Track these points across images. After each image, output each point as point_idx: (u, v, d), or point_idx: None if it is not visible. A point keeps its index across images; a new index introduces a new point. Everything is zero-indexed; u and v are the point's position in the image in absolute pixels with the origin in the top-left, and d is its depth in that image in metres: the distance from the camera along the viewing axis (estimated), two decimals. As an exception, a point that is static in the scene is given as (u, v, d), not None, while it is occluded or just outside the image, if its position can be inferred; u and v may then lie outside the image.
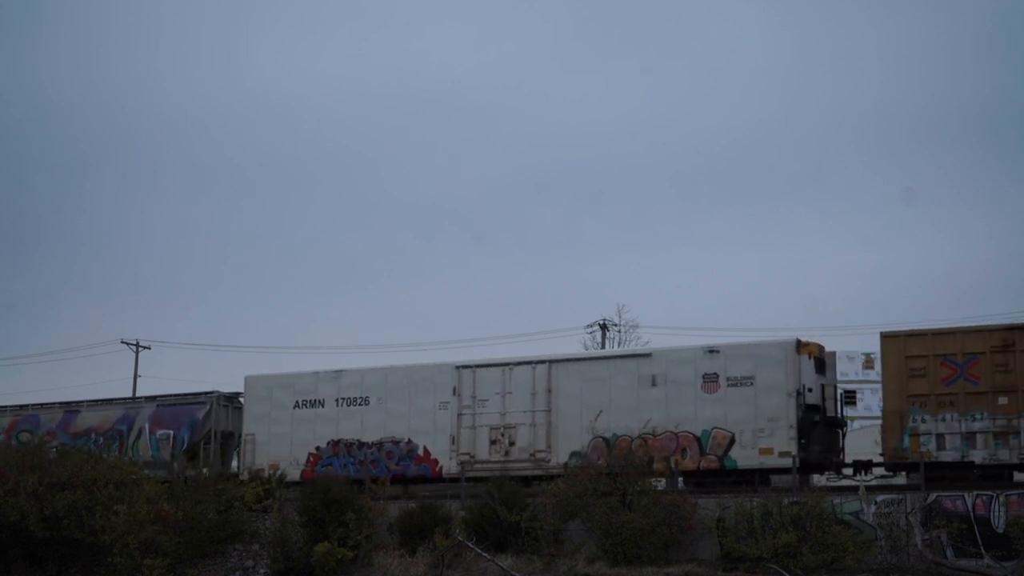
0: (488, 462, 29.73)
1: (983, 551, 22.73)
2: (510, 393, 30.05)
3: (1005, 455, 25.01)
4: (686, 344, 29.95)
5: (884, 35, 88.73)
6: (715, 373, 27.99)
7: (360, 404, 31.73)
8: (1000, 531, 22.88)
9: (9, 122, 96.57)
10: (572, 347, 43.73)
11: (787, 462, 26.51)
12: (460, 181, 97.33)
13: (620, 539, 24.51)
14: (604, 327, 50.60)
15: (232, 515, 27.86)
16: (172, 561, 26.17)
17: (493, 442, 29.84)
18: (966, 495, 23.55)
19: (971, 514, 23.20)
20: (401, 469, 30.58)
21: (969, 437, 25.44)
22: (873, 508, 23.91)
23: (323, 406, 32.08)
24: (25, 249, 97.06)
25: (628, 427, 28.40)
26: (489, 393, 30.24)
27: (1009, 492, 23.30)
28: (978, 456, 25.23)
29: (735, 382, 27.67)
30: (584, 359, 30.88)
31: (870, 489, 24.99)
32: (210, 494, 27.83)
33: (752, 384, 27.47)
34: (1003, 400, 25.32)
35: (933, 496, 23.65)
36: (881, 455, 26.85)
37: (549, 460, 29.09)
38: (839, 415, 28.43)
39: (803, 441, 26.86)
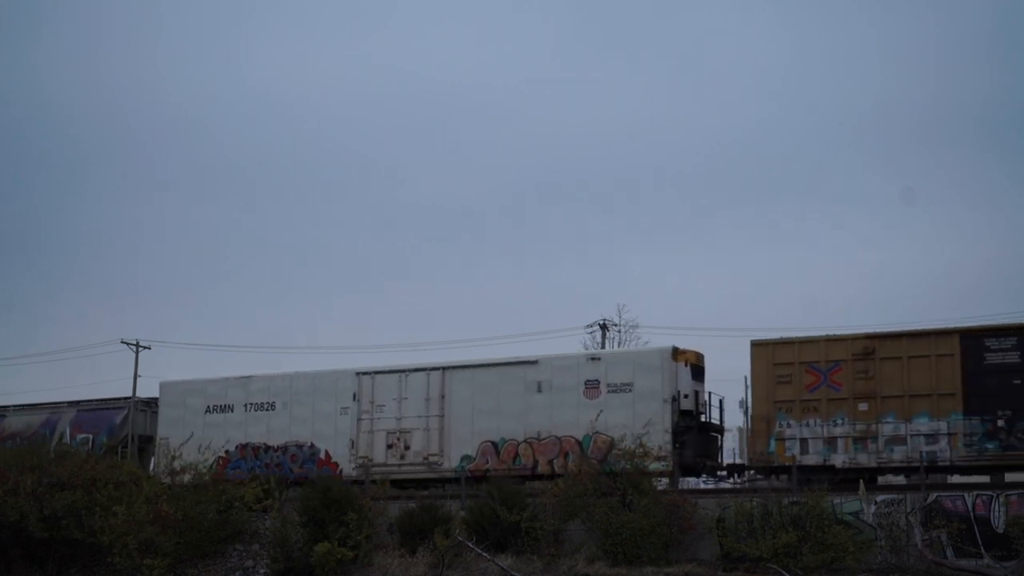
0: (385, 465, 30.84)
1: (983, 551, 22.74)
2: (406, 399, 31.13)
3: (864, 459, 26.16)
4: (569, 352, 30.87)
5: (885, 35, 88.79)
6: (596, 380, 28.97)
7: (267, 409, 32.94)
8: (1000, 531, 22.90)
9: (9, 122, 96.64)
10: (572, 347, 43.59)
11: (663, 465, 27.48)
12: (461, 181, 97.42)
13: (620, 539, 24.52)
14: (604, 327, 50.52)
15: (232, 515, 27.85)
16: (172, 561, 26.15)
17: (390, 446, 30.85)
18: (966, 495, 23.58)
19: (971, 514, 23.21)
20: (304, 472, 31.50)
21: (830, 442, 26.53)
22: (873, 508, 23.93)
23: (232, 411, 33.36)
24: (25, 249, 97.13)
25: (516, 431, 29.50)
26: (387, 399, 31.33)
27: (1009, 492, 23.32)
28: (838, 460, 26.32)
29: (615, 388, 28.70)
30: (475, 366, 31.37)
31: (870, 489, 25.01)
32: (210, 494, 27.83)
33: (631, 390, 28.48)
34: (863, 406, 26.48)
35: (933, 496, 23.67)
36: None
37: (441, 464, 30.25)
38: (718, 420, 29.52)
39: (678, 445, 27.84)
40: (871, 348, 26.68)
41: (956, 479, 27.49)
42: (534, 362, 30.16)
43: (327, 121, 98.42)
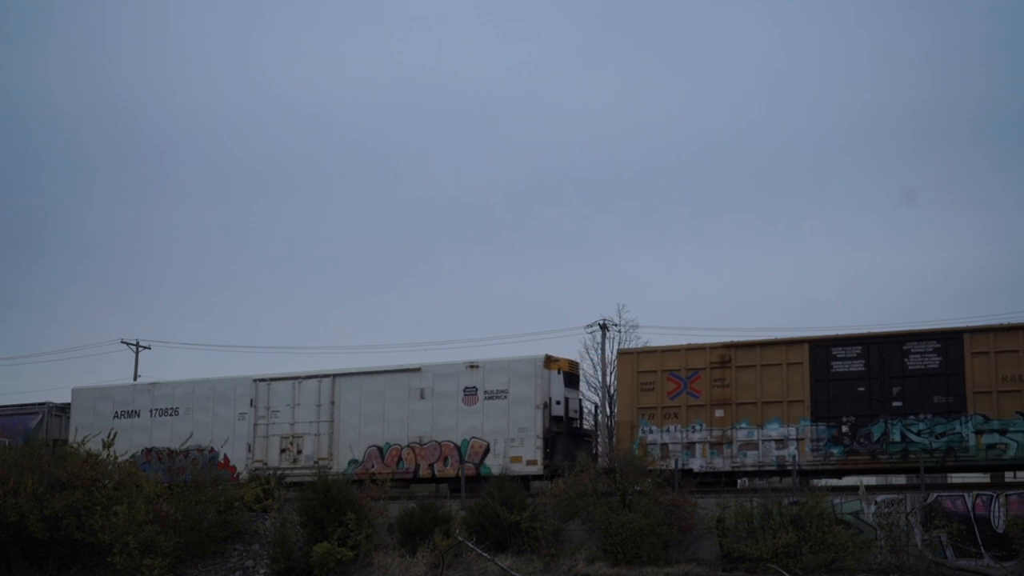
0: (278, 469, 31.69)
1: (983, 551, 22.73)
2: (299, 405, 32.38)
3: (720, 463, 27.36)
4: (450, 360, 31.66)
5: (882, 37, 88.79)
6: (474, 387, 30.14)
7: (171, 414, 34.17)
8: (1000, 531, 22.91)
9: (16, 123, 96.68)
10: (573, 347, 43.66)
11: (534, 469, 28.76)
12: (465, 181, 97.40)
13: (620, 539, 24.52)
14: (604, 327, 50.53)
15: (232, 515, 27.85)
16: (172, 561, 26.15)
17: (283, 450, 31.72)
18: (966, 495, 23.58)
19: (971, 514, 23.22)
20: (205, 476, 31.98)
21: (689, 447, 27.71)
22: (873, 508, 23.93)
23: (139, 416, 34.57)
24: (31, 249, 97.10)
25: (400, 437, 30.73)
26: (281, 404, 32.57)
27: (1009, 492, 23.33)
28: (696, 464, 27.44)
29: (491, 395, 29.87)
30: (363, 373, 32.35)
31: (870, 489, 25.02)
32: (210, 494, 27.83)
33: (506, 397, 29.63)
34: (719, 413, 27.64)
35: (933, 496, 23.67)
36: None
37: (331, 467, 31.00)
38: (591, 426, 30.68)
39: (548, 450, 28.98)
40: (728, 357, 27.81)
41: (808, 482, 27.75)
42: (417, 370, 31.28)
43: (330, 121, 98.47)
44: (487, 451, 29.38)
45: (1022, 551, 22.14)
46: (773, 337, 28.33)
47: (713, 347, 28.19)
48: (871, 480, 30.41)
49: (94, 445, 29.60)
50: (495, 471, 28.67)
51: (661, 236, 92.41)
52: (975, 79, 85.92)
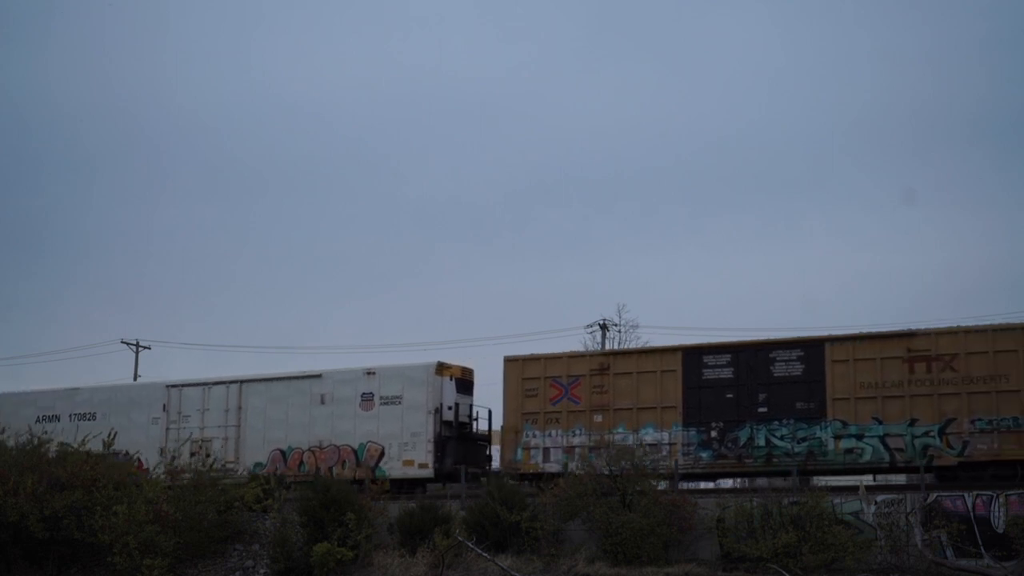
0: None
1: (983, 551, 22.73)
2: (208, 410, 33.61)
3: (598, 467, 27.13)
4: (349, 367, 32.70)
5: (882, 37, 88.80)
6: (371, 392, 31.30)
7: (89, 419, 34.91)
8: (1000, 531, 22.91)
9: (16, 123, 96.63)
10: (573, 347, 43.46)
11: (425, 472, 29.87)
12: (465, 181, 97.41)
13: (620, 539, 24.51)
14: (604, 327, 50.57)
15: (232, 515, 27.83)
16: (172, 561, 26.13)
17: (193, 454, 31.88)
18: (966, 495, 23.56)
19: (971, 514, 23.21)
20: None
21: (569, 450, 28.65)
22: (873, 508, 23.92)
23: (59, 421, 35.15)
24: (31, 249, 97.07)
25: (301, 440, 31.91)
26: (192, 410, 33.78)
27: (1009, 492, 23.32)
28: (575, 467, 27.59)
29: (387, 401, 31.02)
30: (268, 379, 33.62)
31: (870, 489, 25.02)
32: (210, 494, 27.81)
33: (400, 402, 30.75)
34: (598, 417, 28.63)
35: (933, 496, 23.66)
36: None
37: (237, 471, 31.38)
38: (485, 430, 31.72)
39: (439, 453, 30.10)
40: (606, 364, 28.92)
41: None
42: (318, 376, 32.53)
43: (330, 121, 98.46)
44: (382, 455, 30.52)
45: (1022, 551, 22.13)
46: (649, 346, 29.58)
47: (593, 355, 29.45)
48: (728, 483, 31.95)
49: (94, 445, 29.79)
50: (389, 474, 29.87)
51: (661, 236, 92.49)
52: (975, 79, 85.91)
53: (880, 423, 26.06)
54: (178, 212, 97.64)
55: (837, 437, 26.34)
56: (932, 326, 27.09)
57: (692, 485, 27.48)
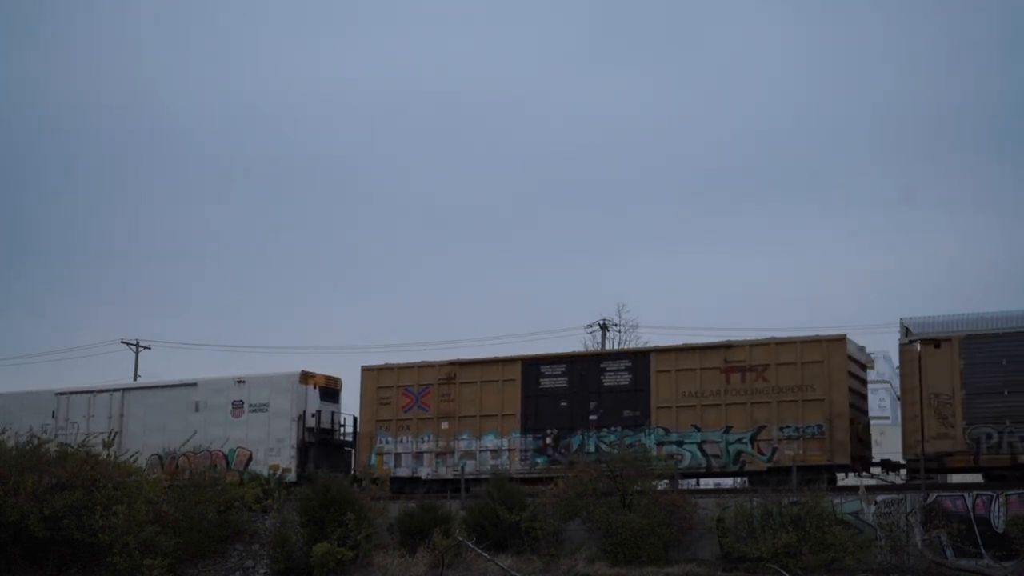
0: None
1: (983, 551, 22.71)
2: (93, 416, 34.81)
3: (444, 471, 29.55)
4: (221, 375, 34.30)
5: (885, 38, 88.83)
6: (241, 400, 32.89)
7: None
8: (1000, 531, 22.88)
9: (6, 121, 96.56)
10: (573, 347, 43.48)
11: (289, 476, 30.87)
12: (467, 181, 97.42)
13: (620, 539, 24.50)
14: (604, 327, 50.56)
15: (232, 515, 27.86)
16: (172, 561, 26.14)
17: None
18: (966, 495, 23.55)
19: (971, 514, 23.19)
20: None
21: (418, 456, 30.08)
22: (873, 508, 23.91)
23: None
24: (31, 249, 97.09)
25: (177, 446, 32.87)
26: (78, 416, 34.99)
27: (1009, 492, 23.32)
28: (423, 472, 29.77)
29: (255, 408, 32.56)
30: (148, 388, 35.75)
31: (870, 489, 25.01)
32: (210, 494, 27.82)
33: (267, 410, 32.30)
34: (445, 424, 29.99)
35: (933, 496, 23.65)
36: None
37: None
38: (349, 437, 33.08)
39: (302, 458, 31.60)
40: (453, 373, 30.12)
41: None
42: (193, 384, 34.12)
43: (337, 121, 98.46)
44: (250, 459, 31.88)
45: (1022, 551, 22.11)
46: (492, 356, 30.59)
47: (442, 364, 30.42)
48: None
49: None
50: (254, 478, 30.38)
51: (661, 236, 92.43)
52: (974, 79, 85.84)
53: (699, 430, 27.28)
54: (179, 212, 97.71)
55: (660, 444, 27.55)
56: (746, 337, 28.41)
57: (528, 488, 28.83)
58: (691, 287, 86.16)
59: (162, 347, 69.04)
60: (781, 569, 22.68)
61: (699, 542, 24.84)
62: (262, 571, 26.90)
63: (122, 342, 61.07)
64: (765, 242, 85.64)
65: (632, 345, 46.59)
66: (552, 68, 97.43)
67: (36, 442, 28.91)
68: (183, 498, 27.48)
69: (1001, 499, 23.12)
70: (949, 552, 22.91)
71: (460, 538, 25.09)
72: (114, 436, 31.25)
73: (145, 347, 61.57)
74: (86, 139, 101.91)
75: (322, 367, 33.37)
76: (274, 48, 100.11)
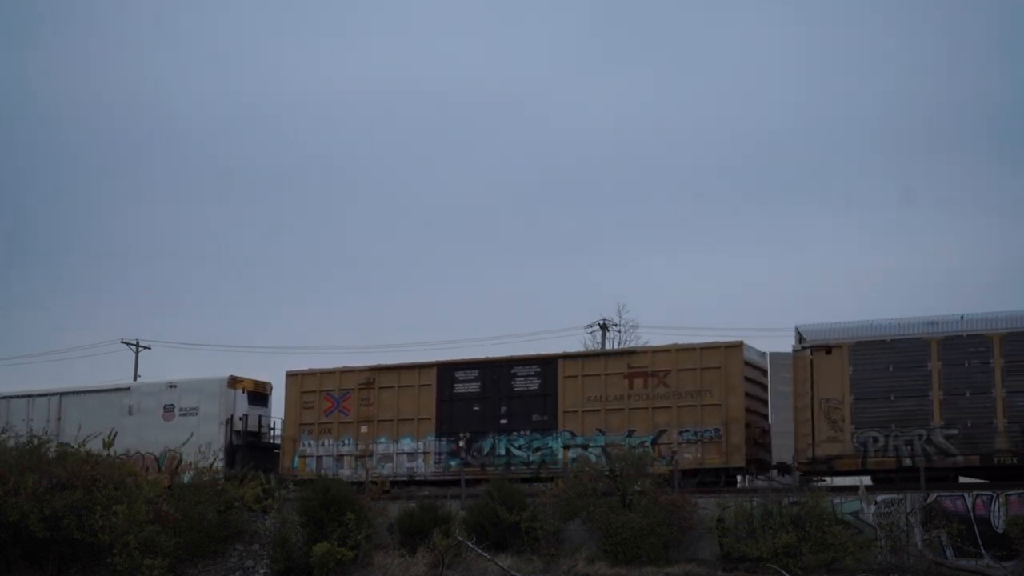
0: None
1: (983, 551, 22.72)
2: (32, 420, 35.47)
3: (363, 473, 29.71)
4: (153, 380, 35.67)
5: (885, 38, 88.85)
6: (172, 404, 33.95)
7: None
8: (1000, 531, 22.89)
9: (6, 121, 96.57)
10: (573, 347, 43.55)
11: (217, 477, 30.31)
12: (467, 181, 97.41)
13: (620, 539, 24.50)
14: (604, 327, 50.62)
15: (232, 515, 27.85)
16: (172, 561, 26.14)
17: None
18: (966, 495, 23.56)
19: (971, 514, 23.20)
20: None
21: (339, 459, 30.96)
22: (873, 508, 23.91)
23: None
24: (31, 249, 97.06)
25: (111, 449, 31.83)
26: (18, 419, 35.11)
27: (1009, 492, 23.33)
28: (344, 474, 30.06)
29: (185, 412, 33.59)
30: (84, 392, 36.10)
31: (870, 489, 25.02)
32: (210, 494, 27.83)
33: (197, 414, 33.26)
34: (364, 428, 30.82)
35: (933, 496, 23.65)
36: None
37: None
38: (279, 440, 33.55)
39: (230, 461, 32.25)
40: (373, 379, 30.96)
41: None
42: (127, 388, 35.51)
43: (335, 122, 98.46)
44: (179, 462, 31.79)
45: (1022, 551, 22.12)
46: (410, 362, 31.25)
47: (362, 370, 31.18)
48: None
49: (95, 445, 29.81)
50: (188, 480, 30.47)
51: (661, 236, 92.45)
52: (974, 79, 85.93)
53: (603, 434, 28.11)
54: (179, 211, 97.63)
55: (566, 447, 28.44)
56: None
57: (441, 491, 29.39)
58: (691, 287, 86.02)
59: (162, 347, 69.04)
60: (781, 569, 22.69)
61: (699, 542, 24.85)
62: (262, 571, 26.91)
63: (122, 342, 61.14)
64: (765, 242, 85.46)
65: (628, 345, 46.66)
66: (552, 68, 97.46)
67: (36, 442, 28.93)
68: (183, 498, 27.50)
69: (1001, 499, 23.13)
70: (949, 552, 22.92)
71: (460, 538, 25.10)
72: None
73: (145, 347, 61.64)
74: (86, 139, 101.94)
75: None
76: (274, 48, 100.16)
